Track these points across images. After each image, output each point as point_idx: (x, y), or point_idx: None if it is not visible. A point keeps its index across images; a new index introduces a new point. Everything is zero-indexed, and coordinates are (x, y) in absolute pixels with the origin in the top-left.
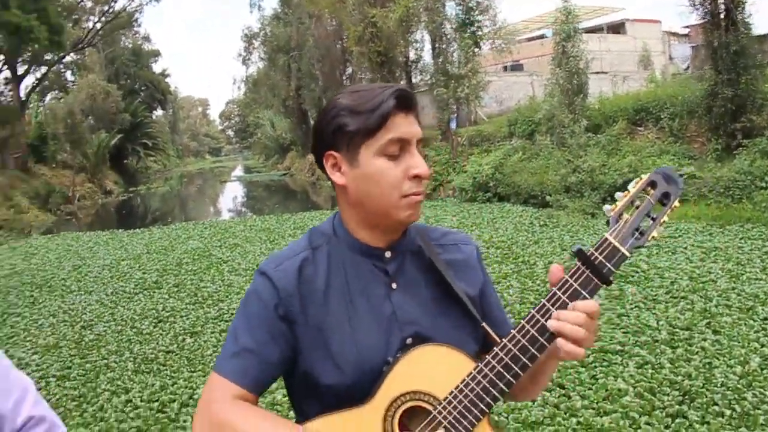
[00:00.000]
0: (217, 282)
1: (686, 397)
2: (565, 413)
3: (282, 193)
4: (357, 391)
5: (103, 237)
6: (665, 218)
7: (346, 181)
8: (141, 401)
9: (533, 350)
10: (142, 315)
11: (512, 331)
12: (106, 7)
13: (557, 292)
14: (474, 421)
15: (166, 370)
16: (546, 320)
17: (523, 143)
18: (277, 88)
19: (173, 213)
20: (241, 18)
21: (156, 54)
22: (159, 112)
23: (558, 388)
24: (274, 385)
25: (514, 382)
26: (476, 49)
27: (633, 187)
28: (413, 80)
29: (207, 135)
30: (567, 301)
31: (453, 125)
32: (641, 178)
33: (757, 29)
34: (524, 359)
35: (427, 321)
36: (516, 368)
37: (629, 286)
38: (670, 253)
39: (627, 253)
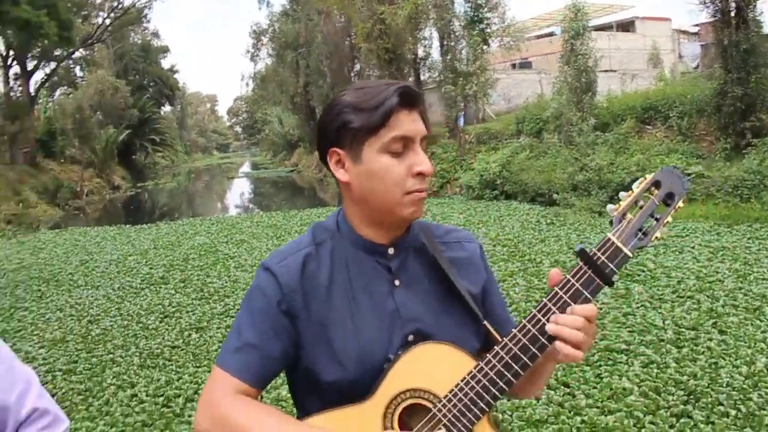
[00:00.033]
0: (224, 278)
1: (691, 396)
2: (570, 412)
3: (289, 189)
4: (358, 388)
5: (111, 232)
6: (669, 219)
7: (350, 178)
8: (146, 396)
9: (534, 350)
10: (149, 310)
11: (513, 330)
12: (115, 3)
13: (559, 291)
14: (474, 419)
15: (172, 365)
16: (547, 320)
17: (530, 141)
18: (285, 84)
19: (180, 209)
20: (240, 18)
21: (165, 50)
22: (167, 108)
23: (562, 387)
24: (279, 381)
25: (514, 381)
26: (485, 47)
27: (637, 187)
28: (421, 77)
29: (215, 131)
30: (568, 300)
31: (461, 123)
32: (645, 178)
33: None
34: (525, 358)
35: (430, 318)
36: (516, 367)
37: (636, 285)
38: (677, 253)
39: (629, 254)
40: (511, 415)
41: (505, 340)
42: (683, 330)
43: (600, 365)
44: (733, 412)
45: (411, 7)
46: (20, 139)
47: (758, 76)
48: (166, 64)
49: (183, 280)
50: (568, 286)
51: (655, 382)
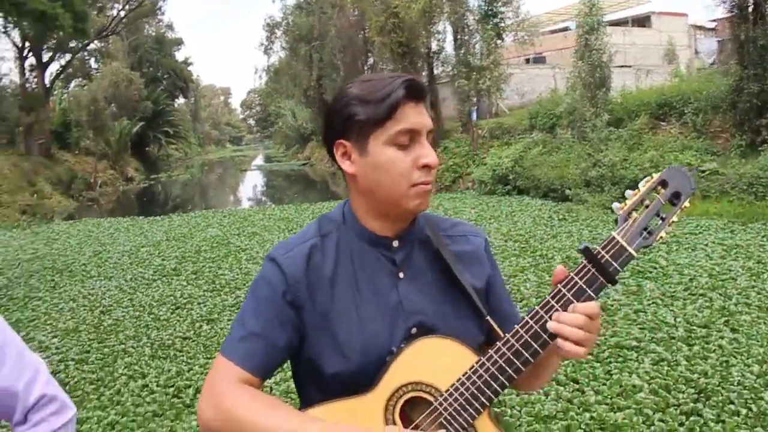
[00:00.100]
0: (235, 270)
1: (702, 395)
2: (579, 408)
3: (302, 182)
4: (361, 379)
5: (124, 223)
6: (675, 218)
7: (356, 170)
8: (157, 386)
9: (536, 346)
10: (160, 301)
11: (516, 326)
12: None
13: (562, 289)
14: (474, 413)
15: (183, 356)
16: (550, 317)
17: (543, 136)
18: (299, 77)
19: (193, 201)
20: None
21: (179, 42)
22: (181, 100)
23: (572, 383)
24: (288, 374)
25: (515, 376)
26: (498, 41)
27: (643, 186)
28: (435, 71)
29: (228, 124)
30: (571, 298)
31: (474, 117)
32: (652, 177)
33: None
34: (526, 355)
35: (433, 311)
36: (518, 363)
37: (647, 282)
38: (690, 250)
39: (634, 253)
40: (519, 411)
41: (507, 336)
42: (695, 328)
43: (610, 362)
44: (743, 411)
45: (425, 1)
46: (35, 131)
47: None
48: (180, 56)
49: (195, 271)
50: (572, 283)
51: (665, 379)
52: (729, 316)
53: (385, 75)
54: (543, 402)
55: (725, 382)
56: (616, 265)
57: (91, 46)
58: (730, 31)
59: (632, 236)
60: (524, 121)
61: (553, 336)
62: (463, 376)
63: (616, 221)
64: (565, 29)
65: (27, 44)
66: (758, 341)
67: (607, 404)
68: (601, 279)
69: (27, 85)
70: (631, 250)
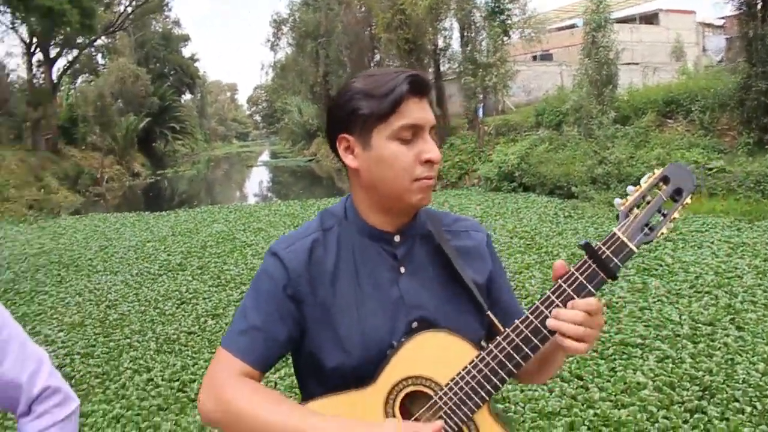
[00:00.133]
0: (240, 265)
1: (706, 392)
2: (583, 405)
3: (308, 178)
4: (361, 373)
5: (130, 219)
6: (676, 215)
7: (359, 164)
8: (162, 380)
9: (536, 341)
10: (166, 296)
11: (516, 321)
12: None
13: (563, 284)
14: (474, 407)
15: (188, 350)
16: (550, 312)
17: (550, 134)
18: (305, 74)
19: (199, 196)
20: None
21: (185, 39)
22: (187, 96)
23: (576, 380)
24: (293, 368)
25: (515, 371)
26: (505, 38)
27: (645, 182)
28: (441, 68)
29: (234, 120)
30: (572, 294)
31: (480, 114)
32: (654, 173)
33: None
34: (526, 350)
35: (434, 306)
36: (518, 358)
37: (653, 279)
38: (696, 248)
39: (634, 249)
40: (523, 407)
41: (508, 330)
42: (700, 325)
43: (614, 359)
44: (748, 409)
45: None
46: (42, 126)
47: None
48: (186, 52)
49: (200, 267)
50: (572, 279)
51: (669, 377)
52: (735, 314)
53: (389, 70)
54: (547, 398)
55: (730, 379)
56: (616, 260)
57: (98, 42)
58: (738, 29)
59: (633, 232)
60: (530, 118)
61: (553, 332)
62: (463, 370)
63: (617, 217)
64: (572, 26)
65: (35, 40)
66: (764, 339)
67: (611, 401)
68: (602, 275)
69: (34, 80)
70: (631, 245)
